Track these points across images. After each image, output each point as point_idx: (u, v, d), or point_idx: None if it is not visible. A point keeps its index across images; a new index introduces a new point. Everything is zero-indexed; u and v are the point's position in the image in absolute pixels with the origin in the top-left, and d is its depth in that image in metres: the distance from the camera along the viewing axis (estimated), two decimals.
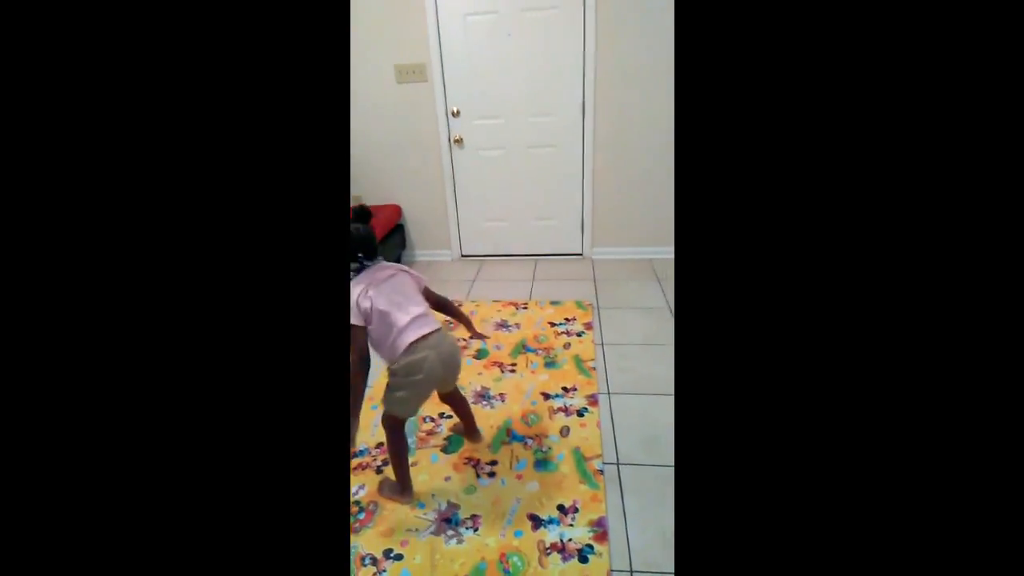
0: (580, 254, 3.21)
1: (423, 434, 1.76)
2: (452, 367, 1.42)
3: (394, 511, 1.47)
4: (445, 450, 1.69)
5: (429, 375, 1.33)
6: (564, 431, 1.74)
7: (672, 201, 2.73)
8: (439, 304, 1.53)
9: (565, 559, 1.30)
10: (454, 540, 1.37)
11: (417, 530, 1.41)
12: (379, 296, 1.31)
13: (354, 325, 1.29)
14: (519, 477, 1.56)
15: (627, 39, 2.68)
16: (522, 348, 2.23)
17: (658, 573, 1.27)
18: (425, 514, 1.46)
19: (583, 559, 1.30)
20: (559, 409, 1.84)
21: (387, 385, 1.38)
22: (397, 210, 3.17)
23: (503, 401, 1.91)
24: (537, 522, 1.41)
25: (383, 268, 1.38)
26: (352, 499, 1.52)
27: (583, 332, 2.33)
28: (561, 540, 1.35)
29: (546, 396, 1.92)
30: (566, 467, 1.59)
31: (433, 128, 3.01)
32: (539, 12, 2.70)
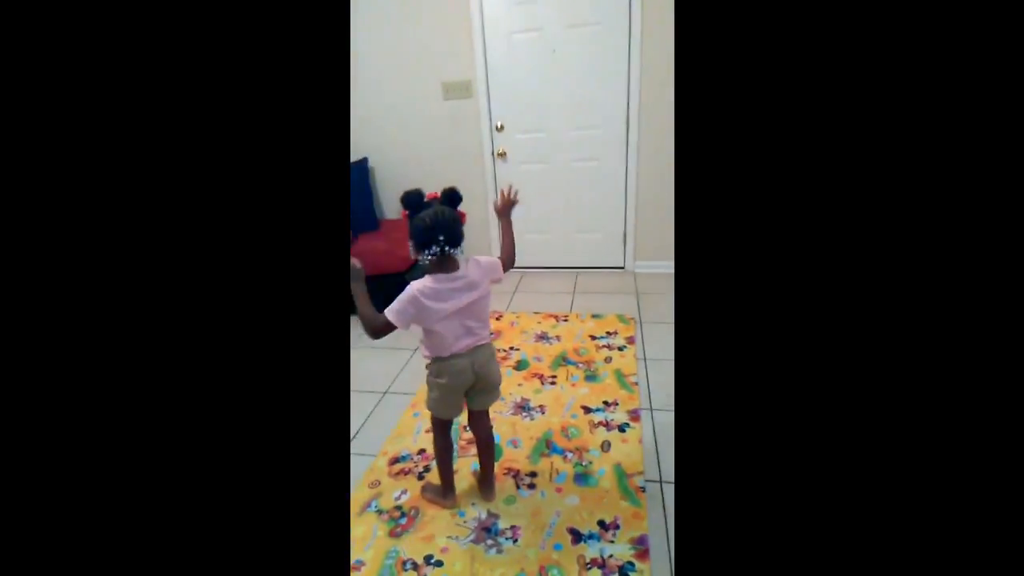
0: (622, 267, 3.19)
1: (463, 443, 1.78)
2: (485, 378, 1.35)
3: (435, 518, 1.49)
4: None
5: (454, 380, 1.31)
6: (605, 446, 1.72)
7: None
8: (509, 262, 1.43)
9: (606, 575, 1.28)
10: (494, 550, 1.38)
11: (458, 538, 1.42)
12: (438, 322, 1.23)
13: (388, 321, 1.20)
14: (559, 490, 1.56)
15: (671, 53, 2.67)
16: (562, 360, 2.23)
17: None
18: (465, 522, 1.47)
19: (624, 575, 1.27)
20: (600, 423, 1.83)
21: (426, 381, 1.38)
22: None
23: (543, 413, 1.91)
24: (577, 536, 1.39)
25: (457, 278, 1.23)
26: (394, 504, 1.55)
27: (625, 346, 2.30)
28: (601, 556, 1.33)
29: (586, 410, 1.90)
30: (607, 482, 1.57)
31: (477, 142, 3.08)
32: (584, 28, 2.73)
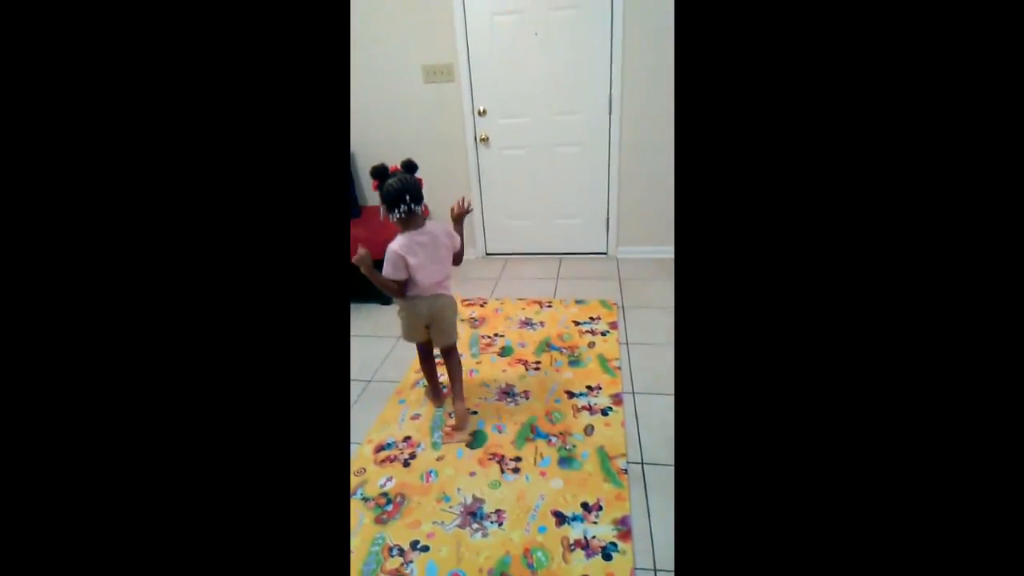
0: (605, 253, 3.20)
1: (448, 429, 1.79)
2: (439, 320, 1.70)
3: (420, 504, 1.51)
4: (470, 445, 1.72)
5: (411, 315, 1.68)
6: (588, 429, 1.75)
7: None
8: (458, 258, 1.74)
9: (589, 556, 1.31)
10: (479, 534, 1.40)
11: (443, 523, 1.44)
12: (415, 258, 1.57)
13: (392, 279, 1.58)
14: (543, 474, 1.58)
15: (654, 38, 2.66)
16: (546, 346, 2.25)
17: None
18: (451, 507, 1.49)
19: (607, 556, 1.31)
20: (583, 407, 1.85)
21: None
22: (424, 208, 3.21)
23: (527, 398, 1.93)
24: (561, 519, 1.42)
25: (423, 232, 1.59)
26: (380, 491, 1.56)
27: (608, 331, 2.33)
28: (585, 537, 1.36)
29: (570, 394, 1.93)
30: (590, 465, 1.60)
31: (459, 127, 3.04)
32: (566, 11, 2.70)
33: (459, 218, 1.71)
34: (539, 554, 1.33)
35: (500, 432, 1.77)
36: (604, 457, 1.62)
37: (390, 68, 2.95)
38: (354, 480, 1.62)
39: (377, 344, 2.39)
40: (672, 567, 1.28)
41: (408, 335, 1.77)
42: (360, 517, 1.48)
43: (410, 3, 2.81)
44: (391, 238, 1.60)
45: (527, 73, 2.85)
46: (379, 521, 1.46)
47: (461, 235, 1.71)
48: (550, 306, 2.61)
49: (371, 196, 3.31)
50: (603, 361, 2.11)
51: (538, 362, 2.14)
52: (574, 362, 2.12)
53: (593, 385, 1.97)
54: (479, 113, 2.98)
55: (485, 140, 3.04)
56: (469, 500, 1.51)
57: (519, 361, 2.16)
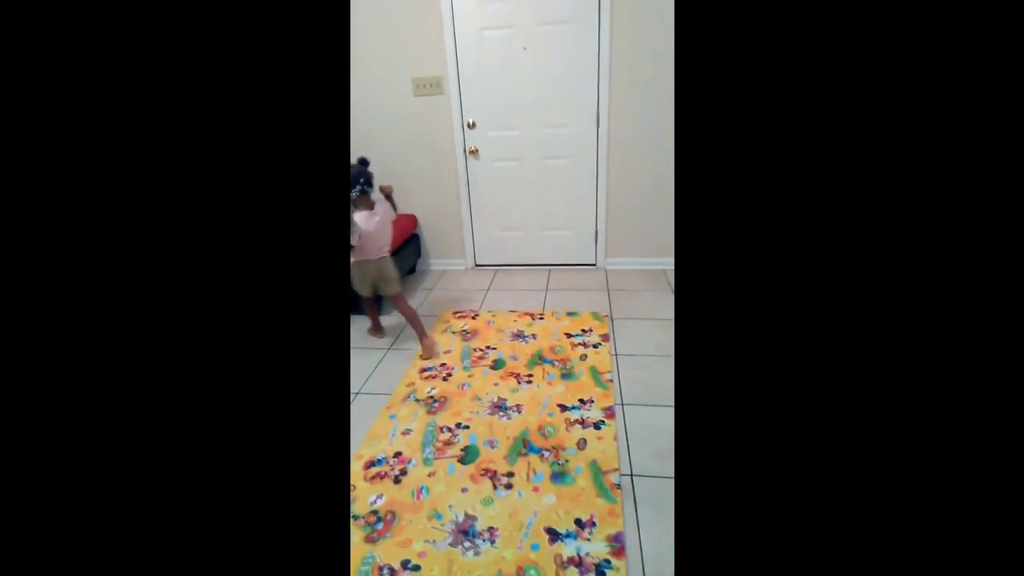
0: (594, 264, 3.22)
1: (440, 444, 1.77)
2: (386, 277, 2.30)
3: (412, 522, 1.48)
4: (462, 461, 1.70)
5: (360, 273, 2.26)
6: (581, 444, 1.74)
7: None
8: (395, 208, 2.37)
9: (583, 573, 1.30)
10: (471, 552, 1.38)
11: (435, 541, 1.42)
12: (368, 227, 2.15)
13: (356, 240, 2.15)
14: (536, 490, 1.57)
15: (641, 52, 2.70)
16: (538, 359, 2.24)
17: None
18: (443, 525, 1.47)
19: (600, 574, 1.29)
20: (576, 421, 1.85)
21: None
22: (413, 220, 3.20)
23: (520, 412, 1.91)
24: (554, 536, 1.41)
25: (376, 213, 2.19)
26: (369, 508, 1.54)
27: (599, 344, 2.33)
28: (578, 554, 1.35)
29: (563, 408, 1.92)
30: (583, 480, 1.59)
31: (449, 139, 3.04)
32: (554, 26, 2.73)
33: (389, 196, 2.30)
34: (532, 572, 1.31)
35: (492, 447, 1.75)
36: (597, 472, 1.62)
37: (380, 81, 2.96)
38: None
39: (364, 356, 2.36)
40: None
41: (355, 286, 2.32)
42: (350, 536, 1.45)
43: (401, 17, 2.82)
44: None
45: (516, 87, 2.87)
46: (369, 540, 1.43)
47: (394, 205, 2.31)
48: (542, 318, 2.61)
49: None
50: (595, 374, 2.11)
51: (530, 375, 2.13)
52: (566, 375, 2.12)
53: (585, 398, 1.96)
54: (468, 126, 2.99)
55: (475, 152, 3.04)
56: (461, 517, 1.49)
57: (511, 374, 2.15)
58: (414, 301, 2.88)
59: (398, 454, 1.75)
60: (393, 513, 1.52)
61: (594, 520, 1.45)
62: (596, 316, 2.58)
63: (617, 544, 1.37)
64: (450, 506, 1.53)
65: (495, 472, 1.65)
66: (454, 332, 2.52)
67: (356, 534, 1.46)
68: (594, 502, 1.51)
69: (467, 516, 1.49)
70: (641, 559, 1.33)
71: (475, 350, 2.35)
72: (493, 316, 2.66)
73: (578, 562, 1.33)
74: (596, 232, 3.13)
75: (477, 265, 3.36)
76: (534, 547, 1.38)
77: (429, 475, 1.65)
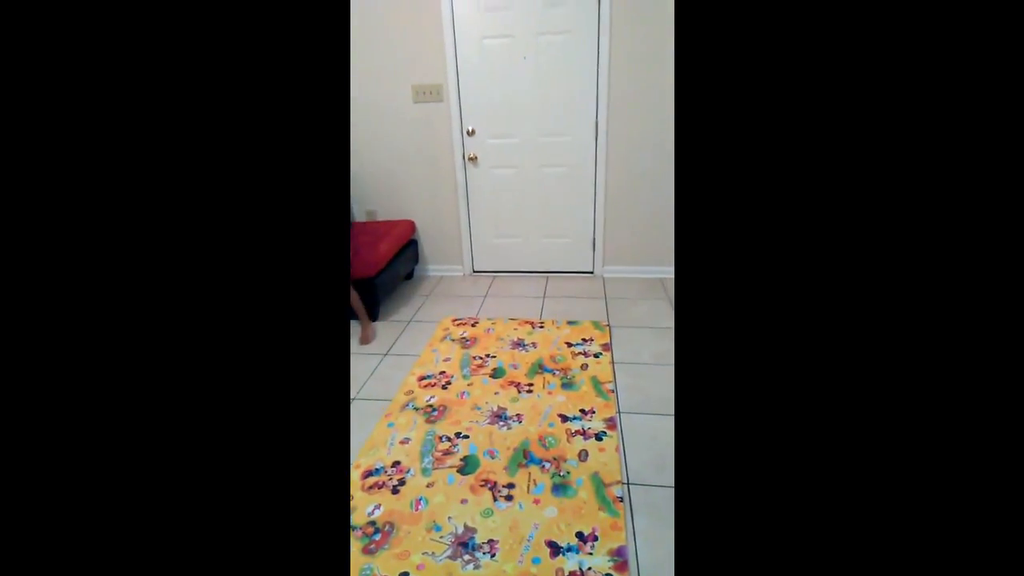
0: (591, 272, 3.21)
1: (439, 454, 1.75)
2: None
3: (410, 533, 1.45)
4: (462, 471, 1.68)
5: None
6: (583, 455, 1.72)
7: None
8: None
9: None
10: (471, 565, 1.35)
11: (434, 554, 1.39)
12: None
13: None
14: (536, 502, 1.54)
15: (641, 62, 2.71)
16: (539, 368, 2.22)
17: None
18: (442, 537, 1.44)
19: None
20: (577, 432, 1.83)
21: None
22: (411, 226, 3.19)
23: (520, 422, 1.89)
24: (555, 549, 1.38)
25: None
26: (367, 519, 1.51)
27: (600, 353, 2.32)
28: (580, 569, 1.33)
29: (564, 418, 1.90)
30: (585, 493, 1.57)
31: (448, 146, 3.04)
32: (554, 36, 2.74)
33: None
34: None
35: (492, 457, 1.73)
36: (599, 484, 1.60)
37: (380, 87, 2.96)
38: None
39: (362, 361, 2.34)
40: None
41: None
42: None
43: (401, 25, 2.82)
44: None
45: (516, 95, 2.88)
46: (367, 552, 1.40)
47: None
48: (542, 327, 2.59)
49: (359, 211, 3.29)
50: (596, 384, 2.09)
51: (531, 384, 2.11)
52: (567, 384, 2.10)
53: (587, 409, 1.95)
54: (468, 133, 2.99)
55: (474, 160, 3.04)
56: (460, 529, 1.46)
57: (511, 383, 2.13)
58: (411, 306, 2.86)
59: (396, 463, 1.72)
60: (391, 524, 1.49)
61: (596, 534, 1.42)
62: (597, 325, 2.57)
63: (620, 558, 1.35)
64: (449, 517, 1.50)
65: (495, 483, 1.62)
66: (453, 339, 2.50)
67: (354, 545, 1.42)
68: (596, 515, 1.48)
69: (467, 528, 1.46)
70: (637, 568, 1.31)
71: (475, 358, 2.33)
72: (493, 324, 2.64)
73: None
74: (594, 240, 3.13)
75: (475, 271, 3.35)
76: (535, 560, 1.35)
77: (428, 485, 1.62)
